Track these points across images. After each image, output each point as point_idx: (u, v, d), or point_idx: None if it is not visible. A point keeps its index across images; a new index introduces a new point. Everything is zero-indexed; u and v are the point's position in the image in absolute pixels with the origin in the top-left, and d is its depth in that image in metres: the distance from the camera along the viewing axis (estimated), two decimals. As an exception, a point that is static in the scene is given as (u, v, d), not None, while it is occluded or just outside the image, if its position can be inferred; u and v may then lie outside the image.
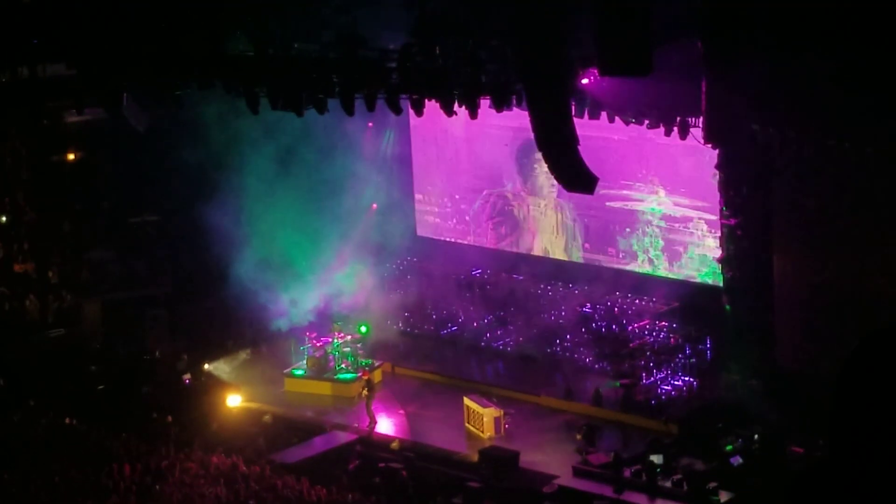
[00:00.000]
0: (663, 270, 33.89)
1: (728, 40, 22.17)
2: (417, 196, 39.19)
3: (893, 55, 21.54)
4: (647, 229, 34.10)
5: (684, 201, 33.16)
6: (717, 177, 29.42)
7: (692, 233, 33.18)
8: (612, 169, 32.97)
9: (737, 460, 27.35)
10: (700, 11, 23.39)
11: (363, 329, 35.23)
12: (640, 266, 34.45)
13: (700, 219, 32.76)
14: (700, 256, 32.94)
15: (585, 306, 34.61)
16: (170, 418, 30.20)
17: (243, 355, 35.69)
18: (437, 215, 39.00)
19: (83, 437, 28.49)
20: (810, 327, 28.65)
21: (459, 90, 24.53)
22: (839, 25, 21.75)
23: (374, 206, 37.84)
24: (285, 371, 34.69)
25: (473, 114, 24.98)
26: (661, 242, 33.84)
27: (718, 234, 30.03)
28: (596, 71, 23.62)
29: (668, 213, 33.64)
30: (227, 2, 24.66)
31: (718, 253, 30.06)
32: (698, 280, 32.85)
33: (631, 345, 32.69)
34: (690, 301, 32.78)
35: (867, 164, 25.52)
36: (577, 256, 36.01)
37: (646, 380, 31.70)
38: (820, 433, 25.40)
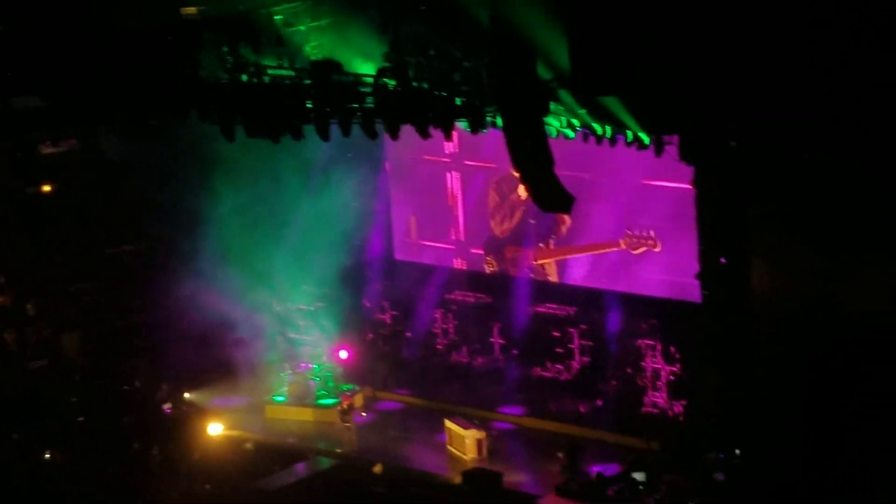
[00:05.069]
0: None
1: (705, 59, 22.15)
2: (395, 218, 39.17)
3: (871, 72, 21.60)
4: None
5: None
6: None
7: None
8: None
9: (719, 476, 27.37)
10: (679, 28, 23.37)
11: (343, 354, 35.17)
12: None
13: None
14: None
15: (567, 325, 34.66)
16: (156, 450, 30.09)
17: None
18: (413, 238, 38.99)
19: (65, 472, 28.34)
20: (788, 340, 28.68)
21: (434, 113, 24.55)
22: (821, 42, 21.80)
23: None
24: (266, 398, 34.62)
25: (448, 136, 25.04)
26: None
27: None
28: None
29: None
30: (200, 29, 24.63)
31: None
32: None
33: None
34: (669, 317, 32.82)
35: (842, 178, 25.57)
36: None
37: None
38: (798, 444, 25.44)
